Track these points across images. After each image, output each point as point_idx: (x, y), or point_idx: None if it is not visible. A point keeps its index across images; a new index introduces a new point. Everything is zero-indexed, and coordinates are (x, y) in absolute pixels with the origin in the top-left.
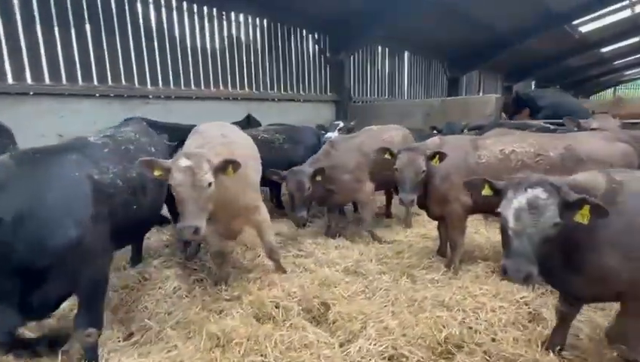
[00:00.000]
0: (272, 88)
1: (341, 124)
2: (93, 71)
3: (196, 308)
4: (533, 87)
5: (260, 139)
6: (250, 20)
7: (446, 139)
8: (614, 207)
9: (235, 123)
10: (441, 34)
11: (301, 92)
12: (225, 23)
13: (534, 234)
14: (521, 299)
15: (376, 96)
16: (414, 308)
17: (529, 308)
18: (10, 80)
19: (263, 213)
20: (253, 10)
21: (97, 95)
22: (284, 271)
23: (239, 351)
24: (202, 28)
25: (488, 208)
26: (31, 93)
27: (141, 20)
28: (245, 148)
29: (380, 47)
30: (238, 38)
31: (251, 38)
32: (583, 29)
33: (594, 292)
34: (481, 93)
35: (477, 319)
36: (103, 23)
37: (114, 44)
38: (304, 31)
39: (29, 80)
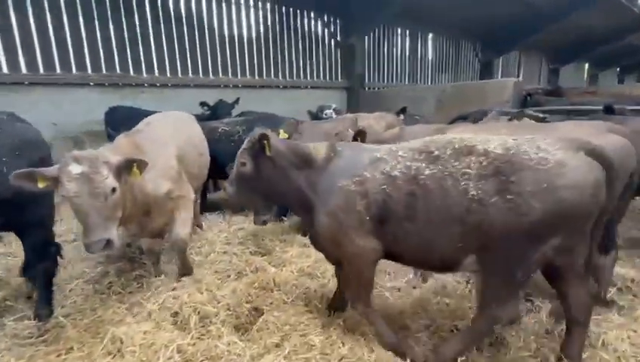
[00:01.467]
0: (275, 75)
1: (333, 106)
2: (87, 60)
3: (116, 308)
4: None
5: (220, 132)
6: (252, 3)
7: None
8: (325, 170)
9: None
10: (470, 11)
11: (308, 78)
12: (224, 7)
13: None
14: None
15: (394, 82)
16: (354, 321)
17: None
18: (4, 69)
19: (182, 204)
20: None
21: (92, 84)
22: (190, 272)
23: (130, 360)
24: (199, 13)
25: None
26: (26, 82)
27: (135, 7)
28: (160, 136)
29: (399, 29)
30: (239, 22)
31: (253, 22)
32: None
33: (324, 249)
34: (520, 78)
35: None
36: (96, 11)
37: (108, 32)
38: (312, 13)
39: (23, 70)
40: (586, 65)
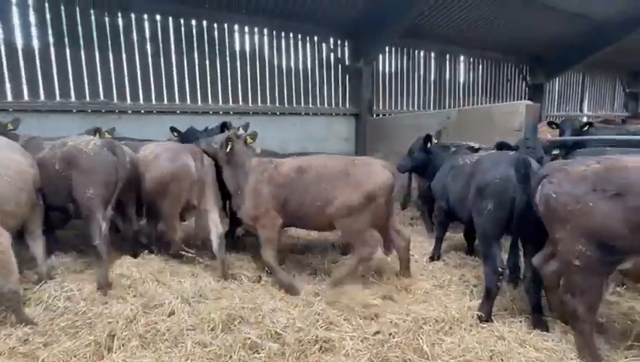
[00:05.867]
0: (272, 102)
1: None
2: (71, 87)
3: None
4: None
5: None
6: (247, 30)
7: None
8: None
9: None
10: (512, 29)
11: (310, 105)
12: (216, 30)
13: None
14: None
15: (416, 108)
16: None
17: None
18: None
19: None
20: (244, 18)
21: (74, 110)
22: None
23: None
24: (189, 38)
25: None
26: (10, 110)
27: (121, 34)
28: None
29: (418, 51)
30: (232, 47)
31: (248, 48)
32: None
33: None
34: (585, 103)
35: None
36: (82, 39)
37: (93, 60)
38: (315, 37)
39: (9, 97)
40: None
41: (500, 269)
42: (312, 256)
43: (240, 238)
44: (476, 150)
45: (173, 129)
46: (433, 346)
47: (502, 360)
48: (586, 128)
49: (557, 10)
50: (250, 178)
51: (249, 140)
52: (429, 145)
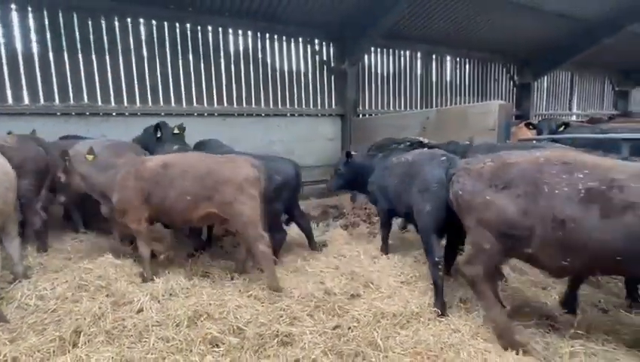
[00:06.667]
0: (257, 103)
1: None
2: (55, 90)
3: None
4: None
5: None
6: (231, 32)
7: None
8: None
9: None
10: (497, 30)
11: (296, 106)
12: (200, 33)
13: None
14: None
15: (402, 108)
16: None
17: None
18: None
19: None
20: (228, 21)
21: (58, 113)
22: None
23: None
24: (173, 40)
25: None
26: None
27: (105, 36)
28: None
29: (407, 51)
30: (216, 51)
31: (232, 51)
32: None
33: None
34: (575, 102)
35: None
36: (65, 41)
37: (76, 63)
38: (300, 39)
39: None
40: None
41: (437, 259)
42: None
43: (218, 238)
44: (424, 145)
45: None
46: (387, 339)
47: (452, 351)
48: (562, 128)
49: (540, 11)
50: (118, 175)
51: (88, 157)
52: (349, 159)
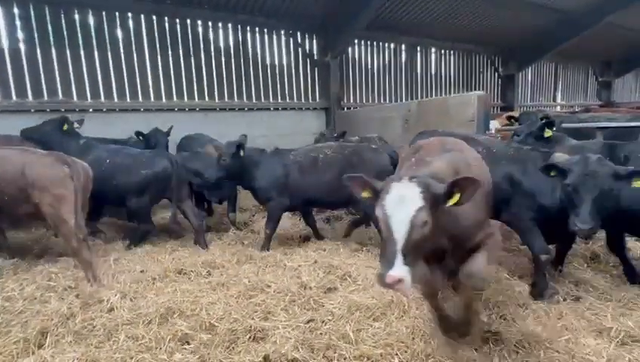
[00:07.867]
0: (239, 97)
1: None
2: (28, 86)
3: None
4: None
5: None
6: (210, 25)
7: None
8: None
9: None
10: (480, 21)
11: (279, 100)
12: (179, 26)
13: None
14: None
15: (387, 101)
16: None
17: None
18: None
19: None
20: (207, 13)
21: (32, 110)
22: None
23: None
24: (150, 32)
25: None
26: None
27: (79, 30)
28: None
29: (391, 44)
30: (196, 44)
31: (212, 44)
32: None
33: None
34: (559, 93)
35: None
36: (37, 35)
37: (49, 58)
38: (282, 32)
39: None
40: None
41: None
42: None
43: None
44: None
45: (138, 133)
46: (359, 331)
47: (423, 341)
48: (542, 121)
49: (522, 2)
50: None
51: None
52: (241, 152)
